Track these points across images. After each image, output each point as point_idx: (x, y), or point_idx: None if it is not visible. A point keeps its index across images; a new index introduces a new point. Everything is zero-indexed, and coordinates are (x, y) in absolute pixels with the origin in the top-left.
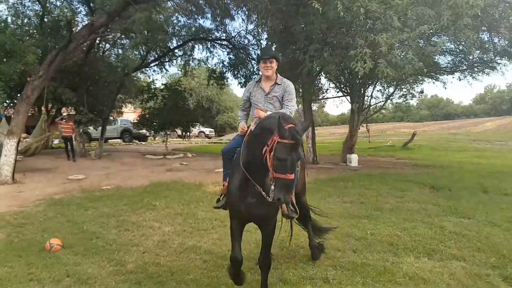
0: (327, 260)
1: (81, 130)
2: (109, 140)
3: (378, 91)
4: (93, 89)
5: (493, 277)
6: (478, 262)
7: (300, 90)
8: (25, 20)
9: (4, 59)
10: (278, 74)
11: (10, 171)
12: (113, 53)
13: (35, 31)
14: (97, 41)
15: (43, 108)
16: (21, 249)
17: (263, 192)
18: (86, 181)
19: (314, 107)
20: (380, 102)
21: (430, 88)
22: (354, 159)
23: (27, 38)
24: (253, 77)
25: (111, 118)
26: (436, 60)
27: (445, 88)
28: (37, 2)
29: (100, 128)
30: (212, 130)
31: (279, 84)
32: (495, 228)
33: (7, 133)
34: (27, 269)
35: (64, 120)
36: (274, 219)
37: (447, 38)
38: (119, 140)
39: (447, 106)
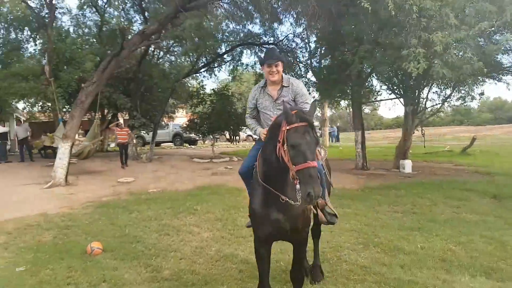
0: (370, 276)
1: (135, 135)
2: (161, 144)
3: (434, 92)
4: (147, 95)
5: None
6: None
7: (349, 91)
8: (85, 30)
9: (65, 67)
10: (283, 75)
11: (63, 173)
12: (166, 60)
13: (94, 40)
14: (151, 49)
15: (97, 114)
16: (64, 252)
17: (289, 200)
18: (135, 184)
19: (367, 109)
20: (437, 104)
21: (492, 89)
22: (407, 165)
23: (86, 46)
24: (288, 77)
25: (163, 122)
26: (499, 59)
27: (509, 89)
28: (96, 13)
29: (152, 132)
30: None
31: (286, 87)
32: None
33: (62, 137)
34: (67, 272)
35: (119, 127)
36: (306, 229)
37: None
38: (170, 143)
39: None
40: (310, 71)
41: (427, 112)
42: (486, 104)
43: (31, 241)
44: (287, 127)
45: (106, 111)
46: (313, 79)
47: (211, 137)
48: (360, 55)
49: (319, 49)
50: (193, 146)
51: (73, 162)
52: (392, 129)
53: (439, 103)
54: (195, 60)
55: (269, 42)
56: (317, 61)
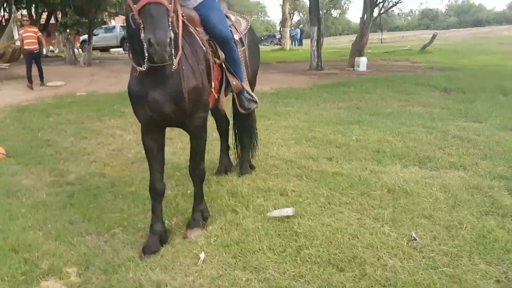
0: (294, 169)
1: (69, 36)
2: (110, 50)
3: None
4: None
5: (498, 190)
6: (481, 172)
7: None
8: None
9: None
10: None
11: None
12: None
13: None
14: None
15: (13, 9)
16: None
17: (135, 66)
18: (65, 88)
19: (335, 13)
20: None
21: None
22: (362, 62)
23: None
24: None
25: (108, 23)
26: None
27: None
28: None
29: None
30: None
31: None
32: (511, 133)
33: None
34: None
35: (24, 25)
36: (199, 114)
37: None
38: (119, 49)
39: (479, 12)
40: None
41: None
42: (453, 8)
43: None
44: None
45: (34, 8)
46: None
47: None
48: None
49: None
50: None
51: (3, 67)
52: None
53: None
54: None
55: None
56: None
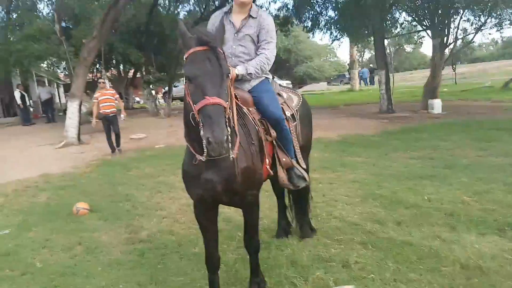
0: (359, 235)
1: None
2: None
3: (465, 21)
4: (160, 48)
5: None
6: None
7: (367, 26)
8: None
9: (75, 25)
10: (253, 4)
11: (75, 132)
12: (179, 9)
13: None
14: None
15: (102, 71)
16: (53, 213)
17: (197, 156)
18: (146, 140)
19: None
20: (469, 34)
21: None
22: (436, 104)
23: (96, 2)
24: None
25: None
26: None
27: None
28: None
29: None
30: (289, 82)
31: (253, 18)
32: None
33: (70, 96)
34: (48, 235)
35: (100, 88)
36: (251, 192)
37: None
38: None
39: None
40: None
41: (459, 44)
42: None
43: (25, 202)
44: (186, 55)
45: (122, 67)
46: (332, 14)
47: None
48: None
49: None
50: None
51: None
52: None
53: (472, 33)
54: (203, 6)
55: None
56: None
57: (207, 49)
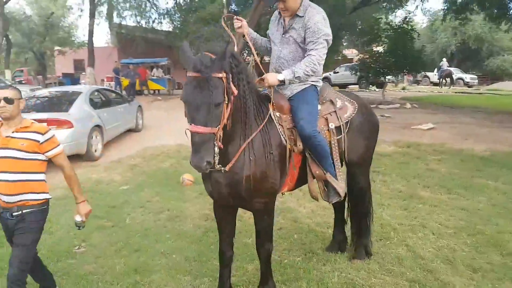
0: (414, 272)
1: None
2: (348, 86)
3: None
4: None
5: None
6: None
7: None
8: None
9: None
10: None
11: None
12: None
13: None
14: None
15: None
16: (167, 179)
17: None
18: None
19: None
20: None
21: None
22: None
23: None
24: None
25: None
26: None
27: None
28: None
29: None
30: (475, 77)
31: (300, 17)
32: None
33: None
34: (151, 197)
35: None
36: (260, 199)
37: None
38: (356, 86)
39: None
40: None
41: None
42: None
43: (153, 166)
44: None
45: None
46: None
47: (392, 78)
48: None
49: None
50: (377, 90)
51: None
52: None
53: None
54: None
55: None
56: None
57: (199, 76)
